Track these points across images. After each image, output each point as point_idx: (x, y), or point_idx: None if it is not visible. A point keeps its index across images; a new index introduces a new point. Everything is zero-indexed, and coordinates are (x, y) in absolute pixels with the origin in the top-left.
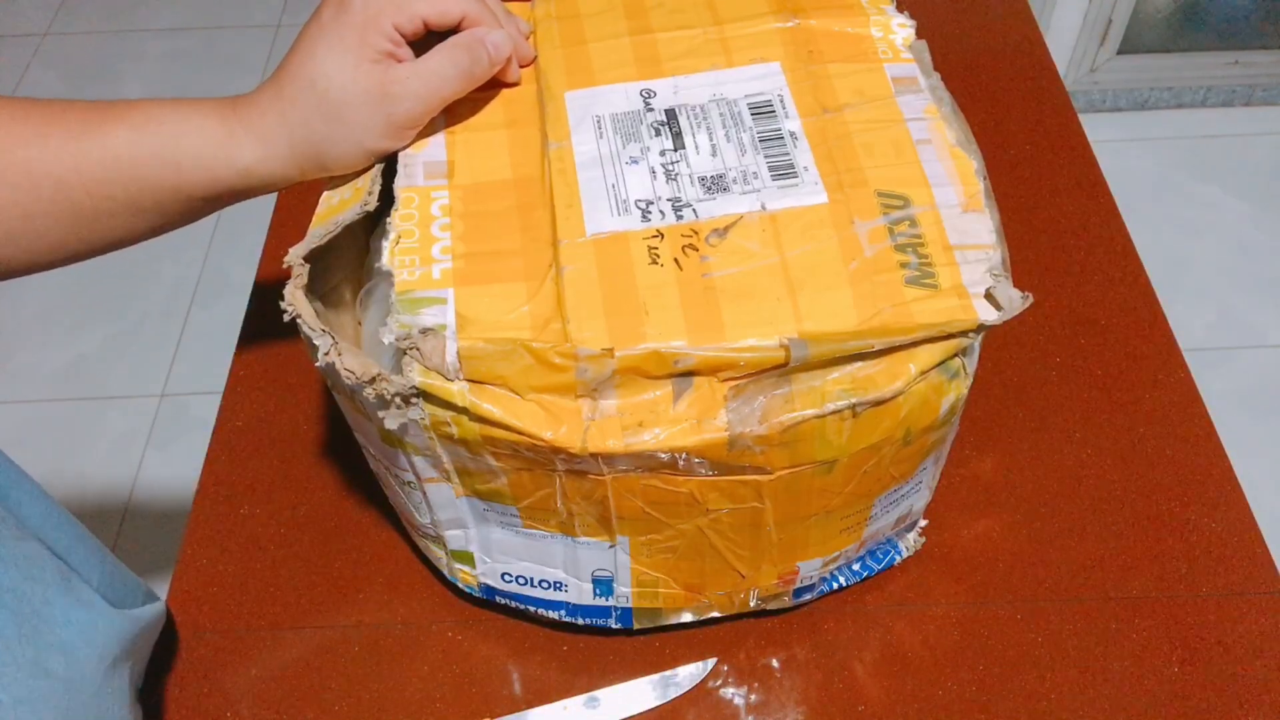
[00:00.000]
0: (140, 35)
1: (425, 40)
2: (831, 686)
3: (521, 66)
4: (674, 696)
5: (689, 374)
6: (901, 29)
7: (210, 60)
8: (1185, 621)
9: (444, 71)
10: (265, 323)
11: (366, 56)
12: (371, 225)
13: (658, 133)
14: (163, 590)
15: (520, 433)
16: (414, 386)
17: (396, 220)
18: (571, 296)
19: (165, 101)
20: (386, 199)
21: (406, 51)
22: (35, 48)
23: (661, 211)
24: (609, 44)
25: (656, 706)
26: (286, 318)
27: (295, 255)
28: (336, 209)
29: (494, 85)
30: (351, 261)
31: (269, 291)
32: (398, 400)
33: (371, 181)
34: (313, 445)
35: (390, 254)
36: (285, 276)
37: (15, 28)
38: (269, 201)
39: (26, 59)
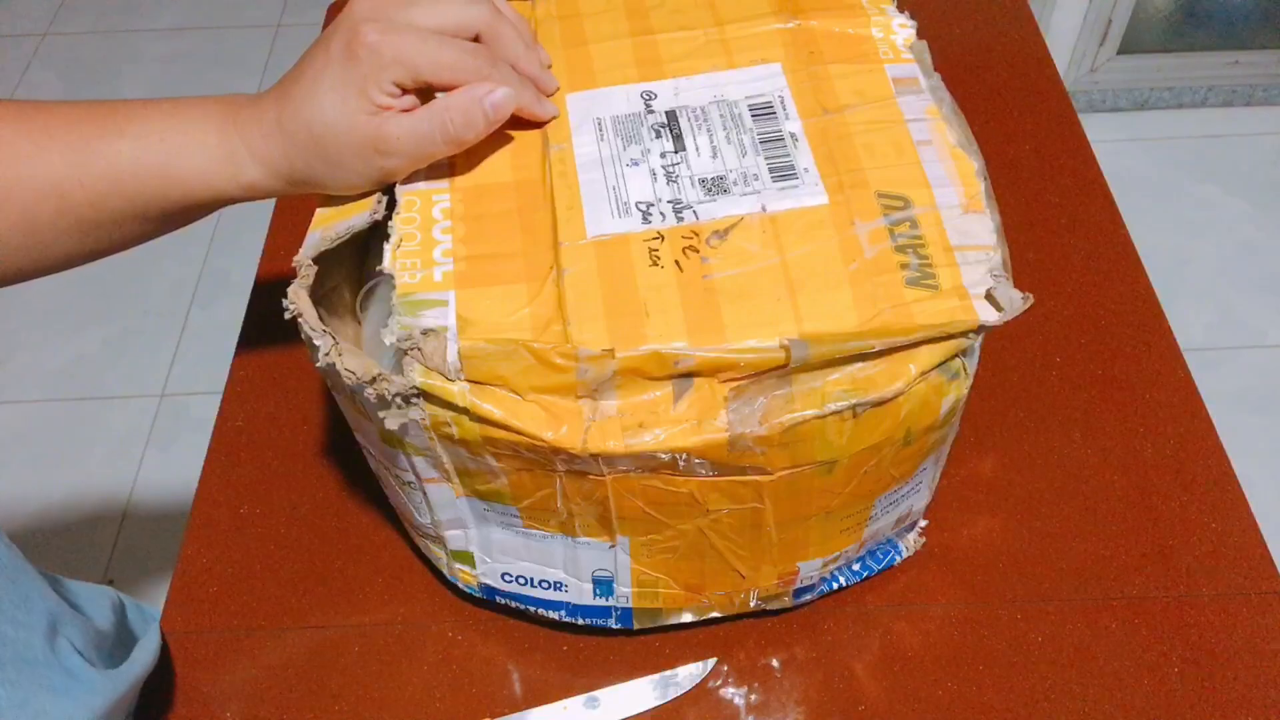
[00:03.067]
0: (140, 35)
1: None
2: (831, 686)
3: (548, 94)
4: (674, 696)
5: (689, 375)
6: (902, 29)
7: (210, 60)
8: (1185, 621)
9: (432, 135)
10: (265, 323)
11: (364, 109)
12: (370, 226)
13: (658, 135)
14: (163, 589)
15: (521, 433)
16: (414, 386)
17: (398, 224)
18: (572, 298)
19: (166, 110)
20: (388, 199)
21: (408, 100)
22: (35, 48)
23: (662, 213)
24: (610, 45)
25: (656, 706)
26: (288, 315)
27: (303, 256)
28: (339, 214)
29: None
30: (350, 263)
31: (269, 291)
32: (398, 400)
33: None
34: (313, 445)
35: (392, 257)
36: (286, 276)
37: (15, 28)
38: (269, 201)
39: (26, 59)
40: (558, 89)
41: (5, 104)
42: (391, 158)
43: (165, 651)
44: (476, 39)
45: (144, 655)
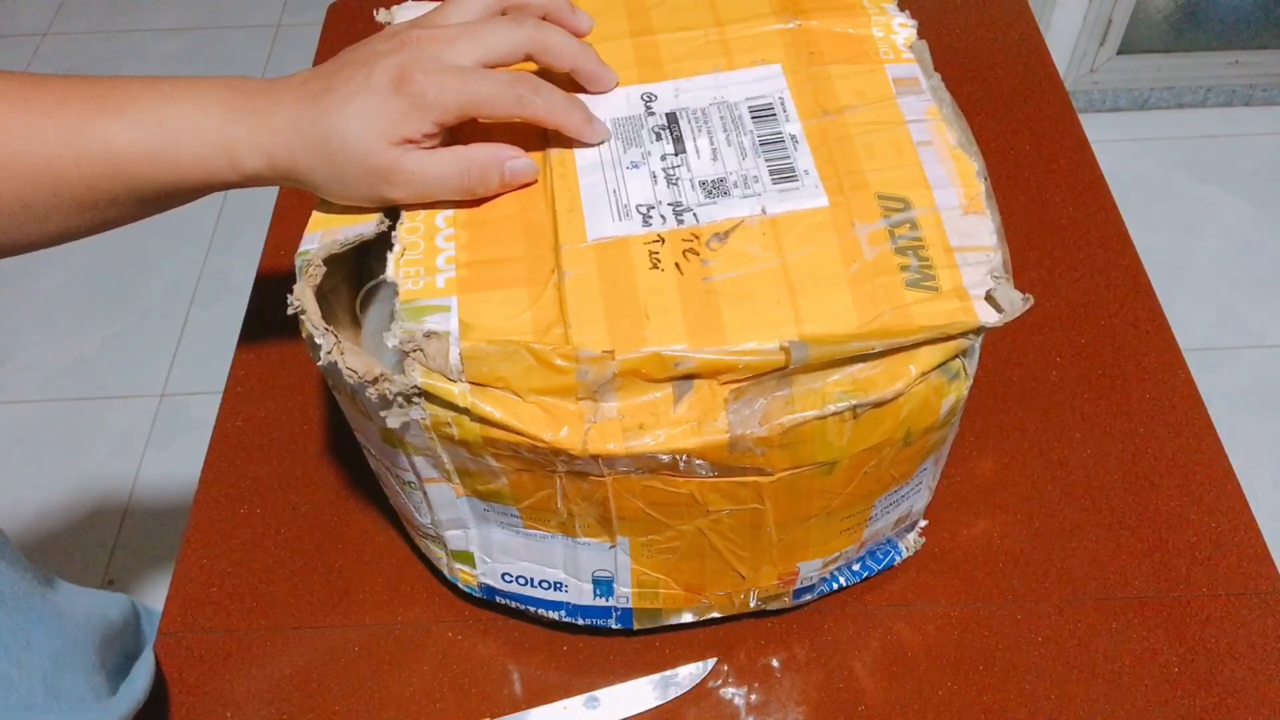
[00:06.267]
0: (140, 35)
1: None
2: (831, 686)
3: (607, 89)
4: (674, 696)
5: (689, 377)
6: (903, 29)
7: (210, 60)
8: (1185, 621)
9: (447, 180)
10: (265, 323)
11: (390, 139)
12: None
13: (659, 137)
14: (163, 589)
15: (521, 434)
16: (416, 386)
17: (403, 233)
18: (573, 301)
19: (166, 92)
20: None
21: (433, 140)
22: (35, 48)
23: (662, 216)
24: (610, 45)
25: (656, 706)
26: (291, 311)
27: (315, 256)
28: (339, 219)
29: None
30: (349, 263)
31: (269, 291)
32: (399, 400)
33: None
34: (313, 445)
35: (395, 265)
36: (286, 275)
37: (15, 28)
38: (269, 201)
39: (26, 59)
40: (618, 82)
41: (4, 77)
42: (398, 189)
43: (159, 670)
44: (528, 57)
45: (140, 682)
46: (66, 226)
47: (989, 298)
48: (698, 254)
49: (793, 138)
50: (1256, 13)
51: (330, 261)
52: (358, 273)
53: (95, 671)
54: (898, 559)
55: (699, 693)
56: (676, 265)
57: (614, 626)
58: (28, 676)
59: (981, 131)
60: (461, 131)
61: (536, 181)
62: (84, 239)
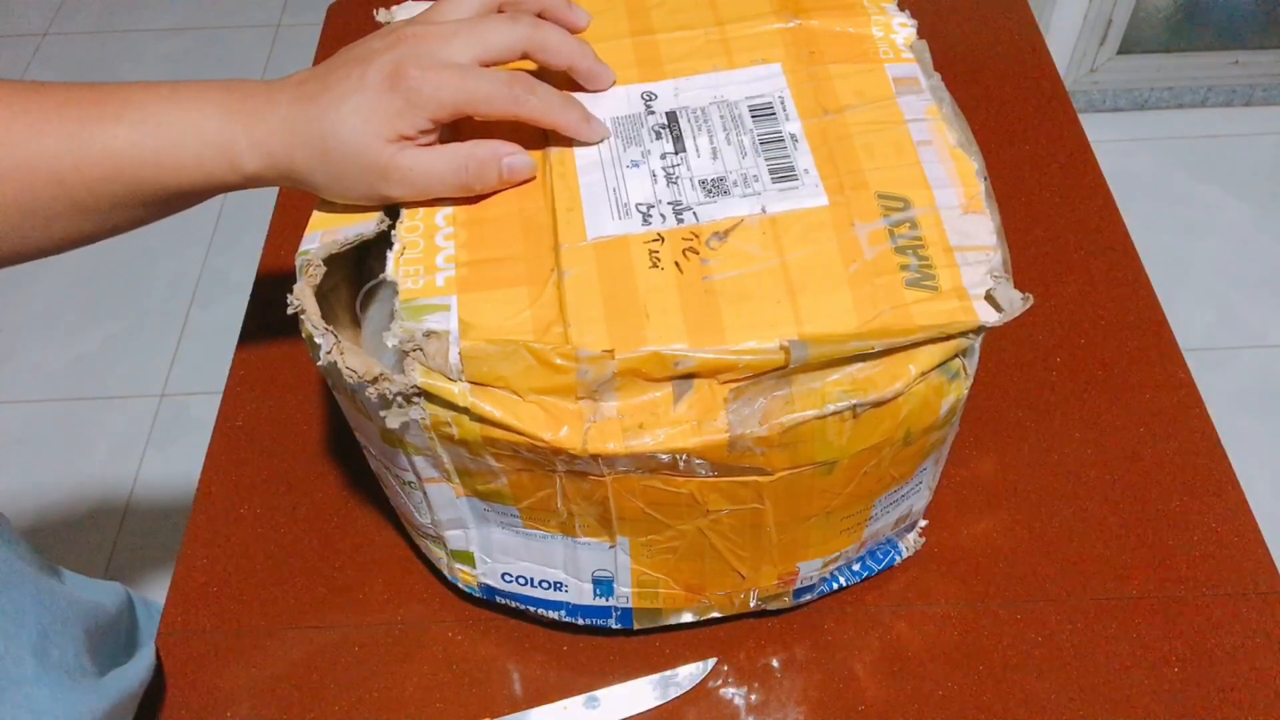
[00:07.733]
0: (140, 35)
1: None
2: (831, 686)
3: (604, 88)
4: (674, 696)
5: (689, 376)
6: (903, 28)
7: (210, 60)
8: (1185, 621)
9: (444, 177)
10: (265, 323)
11: (386, 136)
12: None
13: (658, 136)
14: (163, 589)
15: (521, 434)
16: (415, 386)
17: (402, 232)
18: (573, 300)
19: (165, 95)
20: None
21: (430, 136)
22: (35, 48)
23: (662, 215)
24: (610, 45)
25: (656, 706)
26: (291, 311)
27: (315, 256)
28: (339, 219)
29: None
30: (349, 263)
31: (269, 291)
32: (399, 400)
33: None
34: (313, 445)
35: (395, 264)
36: (286, 275)
37: (15, 28)
38: (269, 201)
39: (26, 59)
40: (615, 80)
41: (3, 84)
42: (396, 187)
43: (159, 666)
44: (525, 55)
45: (136, 672)
46: (71, 232)
47: (989, 297)
48: (697, 253)
49: (792, 137)
50: (1256, 13)
51: (330, 261)
52: (358, 273)
53: (85, 653)
54: (898, 559)
55: (699, 693)
56: (676, 264)
57: (614, 626)
58: (16, 648)
59: (981, 131)
60: (460, 130)
61: (535, 178)
62: None
